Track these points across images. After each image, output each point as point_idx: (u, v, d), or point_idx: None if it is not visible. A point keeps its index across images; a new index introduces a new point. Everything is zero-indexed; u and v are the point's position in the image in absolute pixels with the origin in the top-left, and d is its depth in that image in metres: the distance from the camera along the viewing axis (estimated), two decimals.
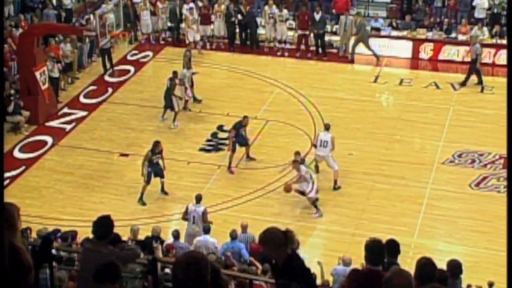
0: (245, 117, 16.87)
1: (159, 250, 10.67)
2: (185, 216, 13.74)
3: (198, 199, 13.80)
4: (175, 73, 18.73)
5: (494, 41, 22.02)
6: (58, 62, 19.88)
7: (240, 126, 16.67)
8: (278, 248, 5.20)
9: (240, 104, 19.52)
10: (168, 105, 18.49)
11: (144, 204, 15.42)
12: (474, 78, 20.62)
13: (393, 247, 7.54)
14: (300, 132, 18.33)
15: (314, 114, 19.10)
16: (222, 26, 23.43)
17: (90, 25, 21.37)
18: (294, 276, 5.19)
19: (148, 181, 15.44)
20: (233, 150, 16.51)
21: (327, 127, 15.98)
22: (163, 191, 15.77)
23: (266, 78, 21.34)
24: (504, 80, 19.82)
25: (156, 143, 15.62)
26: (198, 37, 22.74)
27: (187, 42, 22.42)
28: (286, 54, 22.97)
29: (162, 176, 15.63)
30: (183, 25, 23.75)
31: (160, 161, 15.65)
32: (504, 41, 21.62)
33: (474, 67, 20.45)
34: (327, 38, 22.84)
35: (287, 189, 14.84)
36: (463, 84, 20.56)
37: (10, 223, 5.00)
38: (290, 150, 17.31)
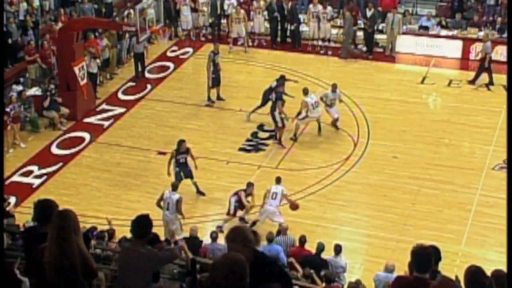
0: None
1: (185, 248, 10.66)
2: (159, 202, 14.05)
3: (174, 187, 14.17)
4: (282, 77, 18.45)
5: None
6: (97, 57, 20.15)
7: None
8: (247, 247, 4.95)
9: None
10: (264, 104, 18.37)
11: (203, 194, 15.66)
12: (485, 77, 20.43)
13: (434, 255, 7.41)
14: (343, 133, 18.22)
15: (358, 115, 18.98)
16: (262, 23, 23.43)
17: (130, 20, 21.59)
18: (267, 276, 4.98)
19: (177, 179, 15.38)
20: (283, 126, 17.30)
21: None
22: (198, 192, 15.78)
23: (308, 77, 21.25)
24: None
25: (180, 142, 15.64)
26: (243, 33, 22.74)
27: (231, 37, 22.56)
28: (330, 52, 22.87)
29: (191, 177, 15.65)
30: (224, 21, 23.87)
31: (190, 160, 15.69)
32: None
33: (483, 66, 20.30)
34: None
35: (293, 207, 14.64)
36: (472, 82, 20.44)
37: (75, 229, 5.09)
38: (332, 152, 17.28)
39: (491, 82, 20.42)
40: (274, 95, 17.87)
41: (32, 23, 20.78)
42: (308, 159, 17.16)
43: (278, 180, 14.76)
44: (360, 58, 22.31)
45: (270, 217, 14.46)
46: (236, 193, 14.84)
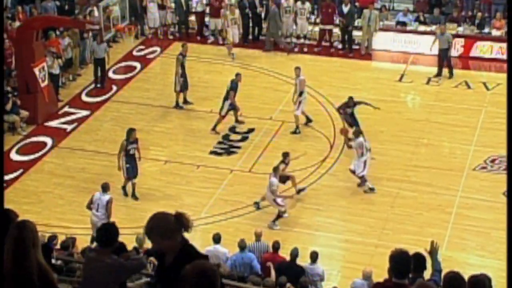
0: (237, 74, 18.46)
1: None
2: (90, 205, 14.21)
3: (105, 188, 14.33)
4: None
5: None
6: (59, 57, 19.99)
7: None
8: (169, 238, 4.65)
9: (253, 104, 19.56)
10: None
11: (136, 198, 15.76)
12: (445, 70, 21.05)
13: (419, 262, 7.48)
14: (318, 134, 18.30)
15: (334, 115, 19.07)
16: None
17: (93, 18, 21.46)
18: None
19: (128, 177, 15.69)
20: (224, 116, 18.07)
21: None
22: (133, 195, 15.88)
23: (282, 76, 21.33)
24: None
25: (130, 131, 15.85)
26: (237, 39, 22.47)
27: (227, 42, 22.31)
28: (305, 49, 22.97)
29: (135, 176, 15.80)
30: (191, 18, 23.86)
31: (136, 153, 15.82)
32: None
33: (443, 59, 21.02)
34: None
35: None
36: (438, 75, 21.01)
37: (34, 241, 5.05)
38: (308, 154, 17.32)
39: (450, 74, 20.98)
40: (230, 84, 18.31)
41: None
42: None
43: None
44: (287, 52, 22.57)
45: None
46: (275, 170, 15.02)
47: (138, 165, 15.95)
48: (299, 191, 15.81)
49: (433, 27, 22.82)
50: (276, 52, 22.82)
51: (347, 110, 17.51)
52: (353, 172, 15.93)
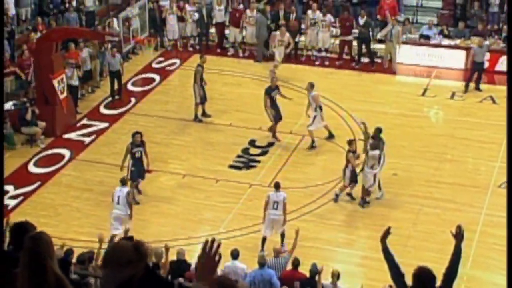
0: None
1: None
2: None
3: (123, 181, 14.97)
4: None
5: None
6: (78, 67, 20.06)
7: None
8: (127, 268, 4.57)
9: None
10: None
11: (136, 203, 15.88)
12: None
13: (427, 279, 7.34)
14: (340, 149, 18.26)
15: (355, 129, 19.04)
16: (254, 32, 23.50)
17: (112, 29, 21.64)
18: None
19: (132, 179, 16.03)
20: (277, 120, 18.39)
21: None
22: (137, 188, 16.24)
23: (302, 89, 21.33)
24: None
25: (134, 134, 16.15)
26: (280, 58, 22.10)
27: (275, 63, 21.96)
28: (326, 63, 22.99)
29: (142, 177, 16.27)
30: (212, 30, 23.98)
31: (144, 158, 16.13)
32: None
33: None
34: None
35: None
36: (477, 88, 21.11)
37: (50, 253, 5.04)
38: (328, 168, 17.30)
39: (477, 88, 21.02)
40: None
41: (7, 33, 20.75)
42: (302, 176, 17.18)
43: (277, 187, 14.79)
44: (256, 60, 23.00)
45: (275, 228, 14.64)
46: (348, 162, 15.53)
47: (144, 168, 16.22)
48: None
49: (458, 41, 22.74)
50: (296, 65, 22.82)
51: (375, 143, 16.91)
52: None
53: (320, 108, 18.27)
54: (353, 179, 16.12)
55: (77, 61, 20.28)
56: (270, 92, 18.73)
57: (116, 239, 13.26)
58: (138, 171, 16.13)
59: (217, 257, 4.43)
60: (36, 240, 5.10)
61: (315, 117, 18.15)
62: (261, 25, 22.93)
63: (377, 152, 15.85)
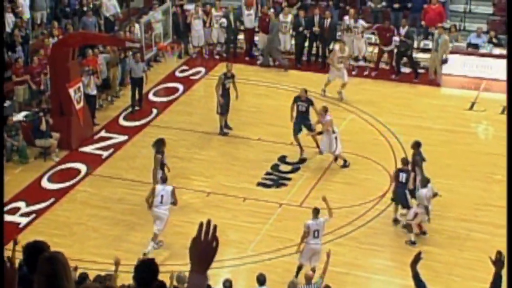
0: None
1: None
2: (149, 199, 15.41)
3: (164, 180, 15.71)
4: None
5: None
6: (94, 73, 20.16)
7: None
8: None
9: (306, 131, 19.60)
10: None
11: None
12: None
13: None
14: (378, 167, 18.23)
15: (395, 146, 19.00)
16: (288, 39, 23.63)
17: (134, 35, 21.82)
18: None
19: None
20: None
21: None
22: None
23: (337, 102, 21.33)
24: None
25: (159, 142, 16.71)
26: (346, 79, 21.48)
27: (344, 82, 21.33)
28: (365, 72, 23.04)
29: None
30: (240, 36, 24.11)
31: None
32: None
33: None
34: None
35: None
36: None
37: (67, 276, 5.08)
38: (366, 188, 17.27)
39: None
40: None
41: (21, 38, 21.03)
42: (337, 196, 17.13)
43: (317, 213, 14.64)
44: (285, 69, 23.17)
45: (315, 258, 14.44)
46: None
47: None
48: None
49: None
50: (318, 74, 22.81)
51: (417, 158, 16.74)
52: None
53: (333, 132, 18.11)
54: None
55: (95, 67, 20.48)
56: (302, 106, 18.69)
57: (159, 238, 15.24)
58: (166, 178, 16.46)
59: (214, 243, 4.23)
60: (52, 261, 5.13)
61: (336, 138, 18.05)
62: (275, 31, 23.02)
63: (425, 190, 15.71)
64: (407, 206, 15.95)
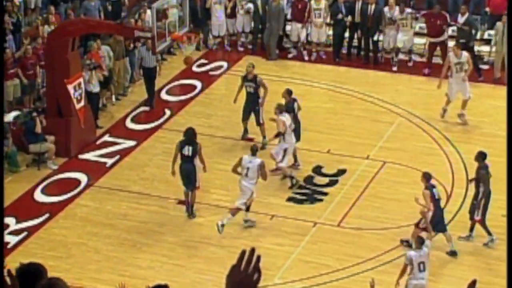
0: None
1: None
2: (236, 168, 16.44)
3: (254, 150, 16.44)
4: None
5: None
6: (96, 68, 20.07)
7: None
8: None
9: (345, 138, 19.59)
10: None
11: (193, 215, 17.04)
12: None
13: None
14: (433, 181, 18.03)
15: (452, 155, 18.83)
16: (324, 29, 23.47)
17: (144, 22, 21.78)
18: None
19: (185, 184, 16.99)
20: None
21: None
22: (190, 209, 17.02)
23: (383, 103, 21.19)
24: None
25: (190, 130, 17.14)
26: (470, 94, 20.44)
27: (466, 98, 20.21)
28: (414, 69, 22.92)
29: (190, 186, 16.94)
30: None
31: (197, 159, 16.93)
32: None
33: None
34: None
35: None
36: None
37: None
38: (416, 206, 17.04)
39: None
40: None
41: (12, 25, 21.04)
42: (383, 214, 17.04)
43: (421, 242, 14.53)
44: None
45: None
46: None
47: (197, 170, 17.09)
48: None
49: None
50: (385, 73, 22.66)
51: (482, 172, 16.57)
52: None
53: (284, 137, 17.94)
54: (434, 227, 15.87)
55: (98, 61, 20.48)
56: None
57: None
58: (187, 174, 16.91)
59: (256, 275, 4.26)
60: (52, 287, 5.15)
61: (285, 149, 17.89)
62: (280, 15, 22.98)
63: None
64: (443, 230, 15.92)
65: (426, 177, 15.97)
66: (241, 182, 16.36)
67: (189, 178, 16.86)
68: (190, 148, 16.85)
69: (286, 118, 17.74)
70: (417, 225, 15.85)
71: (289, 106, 18.35)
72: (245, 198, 16.31)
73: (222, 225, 16.07)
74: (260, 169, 16.23)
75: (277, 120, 17.81)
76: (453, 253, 16.01)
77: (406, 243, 15.96)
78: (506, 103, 17.22)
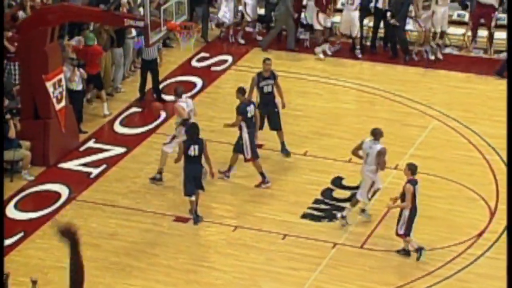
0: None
1: None
2: (357, 151, 17.09)
3: (376, 134, 16.82)
4: None
5: None
6: (81, 66, 20.20)
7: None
8: None
9: None
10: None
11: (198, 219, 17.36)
12: None
13: None
14: (471, 194, 18.06)
15: (497, 166, 18.84)
16: (355, 16, 23.52)
17: (135, 9, 21.81)
18: None
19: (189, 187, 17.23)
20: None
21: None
22: (194, 213, 17.30)
23: (415, 104, 21.18)
24: None
25: (192, 126, 17.39)
26: None
27: None
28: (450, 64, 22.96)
29: (201, 187, 17.30)
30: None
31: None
32: None
33: None
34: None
35: None
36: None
37: None
38: (455, 224, 17.17)
39: None
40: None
41: None
42: (414, 234, 16.88)
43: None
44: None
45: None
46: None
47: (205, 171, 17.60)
48: None
49: None
50: (417, 69, 22.67)
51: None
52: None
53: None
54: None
55: (79, 55, 20.57)
56: None
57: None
58: (194, 175, 17.21)
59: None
60: None
61: (173, 136, 18.67)
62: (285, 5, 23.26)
63: None
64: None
65: (412, 169, 16.21)
66: (362, 168, 17.04)
67: (195, 180, 17.10)
68: (196, 147, 17.01)
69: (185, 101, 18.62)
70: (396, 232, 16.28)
71: (242, 108, 18.50)
72: (365, 187, 16.98)
73: (343, 217, 17.05)
74: (377, 155, 16.67)
75: (175, 106, 18.54)
76: (406, 253, 16.37)
77: (403, 252, 16.32)
78: (506, 102, 17.30)
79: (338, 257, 16.47)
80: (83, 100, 20.71)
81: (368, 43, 23.97)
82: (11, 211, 17.86)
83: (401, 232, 16.12)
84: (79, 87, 20.25)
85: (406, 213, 15.98)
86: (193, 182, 17.10)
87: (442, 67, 22.92)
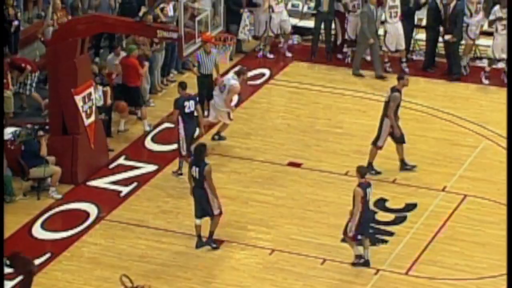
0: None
1: None
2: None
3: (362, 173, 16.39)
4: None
5: None
6: (106, 86, 20.42)
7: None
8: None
9: (416, 164, 19.64)
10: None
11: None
12: None
13: None
14: None
15: None
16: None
17: (167, 18, 21.92)
18: None
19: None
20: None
21: None
22: (198, 237, 17.29)
23: (464, 122, 21.15)
24: None
25: (198, 149, 17.16)
26: None
27: None
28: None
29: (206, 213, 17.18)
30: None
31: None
32: None
33: None
34: None
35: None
36: None
37: None
38: (497, 246, 17.02)
39: None
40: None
41: (8, 24, 21.19)
42: (462, 261, 16.93)
43: None
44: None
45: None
46: None
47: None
48: None
49: None
50: (470, 85, 22.69)
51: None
52: None
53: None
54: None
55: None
56: None
57: None
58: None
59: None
60: None
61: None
62: (368, 19, 23.23)
63: None
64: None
65: (362, 172, 16.36)
66: None
67: (200, 205, 16.99)
68: (197, 169, 16.88)
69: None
70: (345, 232, 16.47)
71: (180, 102, 19.19)
72: None
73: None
74: None
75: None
76: (366, 263, 16.57)
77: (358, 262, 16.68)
78: (506, 103, 17.25)
79: (380, 284, 16.43)
80: (111, 116, 20.88)
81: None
82: (37, 231, 17.93)
83: (351, 234, 16.36)
84: (109, 102, 20.45)
85: (356, 217, 16.15)
86: (197, 206, 17.12)
87: (493, 84, 22.87)
